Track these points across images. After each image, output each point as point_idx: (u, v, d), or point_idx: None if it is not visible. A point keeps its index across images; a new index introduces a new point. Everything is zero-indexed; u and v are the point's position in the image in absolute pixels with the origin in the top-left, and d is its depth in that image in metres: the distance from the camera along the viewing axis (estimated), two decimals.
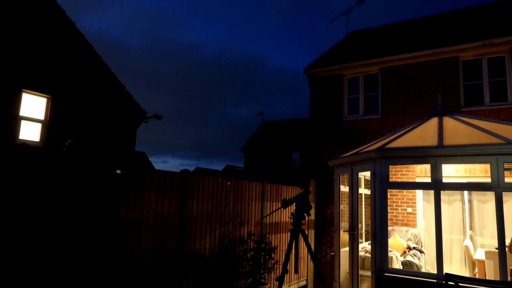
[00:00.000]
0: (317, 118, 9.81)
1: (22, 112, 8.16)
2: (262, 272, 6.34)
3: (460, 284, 4.19)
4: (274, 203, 7.52)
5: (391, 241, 7.09)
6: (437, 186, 5.13)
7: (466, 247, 6.84)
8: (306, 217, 5.36)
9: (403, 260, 6.69)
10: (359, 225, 6.80)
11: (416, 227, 7.90)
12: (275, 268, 6.73)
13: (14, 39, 8.05)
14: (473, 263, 6.52)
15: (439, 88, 8.19)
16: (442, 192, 5.14)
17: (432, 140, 5.46)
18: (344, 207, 7.22)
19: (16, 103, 8.01)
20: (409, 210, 8.08)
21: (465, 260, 7.14)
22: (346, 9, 13.48)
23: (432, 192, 5.28)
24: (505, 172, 4.84)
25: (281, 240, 7.67)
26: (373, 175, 5.74)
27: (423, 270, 6.81)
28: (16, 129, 8.01)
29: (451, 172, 7.45)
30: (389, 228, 6.75)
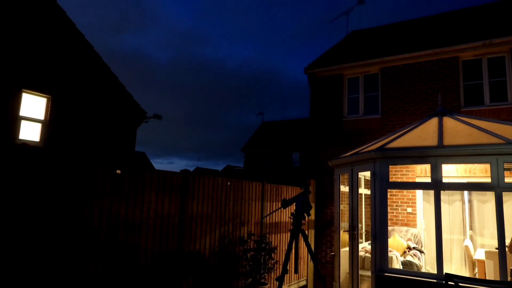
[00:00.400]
0: (317, 118, 9.81)
1: (22, 112, 8.16)
2: (262, 272, 6.34)
3: (460, 284, 4.19)
4: (274, 203, 7.52)
5: (391, 241, 7.09)
6: (437, 186, 5.13)
7: (466, 247, 6.84)
8: (306, 217, 5.36)
9: (403, 260, 6.69)
10: (359, 225, 6.80)
11: (416, 227, 7.90)
12: (275, 268, 6.73)
13: (14, 39, 8.05)
14: (473, 263, 6.52)
15: (439, 88, 8.19)
16: (442, 192, 5.14)
17: (432, 140, 5.46)
18: (344, 207, 7.22)
19: (16, 103, 8.01)
20: (409, 210, 8.08)
21: (465, 260, 7.14)
22: (346, 9, 13.48)
23: (432, 192, 5.28)
24: (505, 172, 4.84)
25: (281, 240, 7.67)
26: (373, 175, 5.74)
27: (423, 270, 6.81)
28: (16, 129, 8.01)
29: (451, 172, 7.45)
30: (389, 228, 6.75)
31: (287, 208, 7.67)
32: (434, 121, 6.28)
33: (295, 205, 5.29)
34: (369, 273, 6.29)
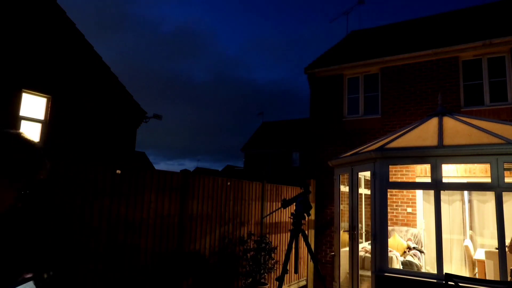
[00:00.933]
0: (317, 118, 9.81)
1: (22, 112, 8.15)
2: (262, 272, 6.34)
3: (460, 284, 4.19)
4: (274, 203, 7.52)
5: (391, 241, 7.09)
6: (437, 186, 5.13)
7: (466, 247, 6.85)
8: (306, 217, 5.35)
9: (403, 260, 6.69)
10: (359, 225, 6.81)
11: (416, 227, 7.90)
12: (275, 268, 6.73)
13: (14, 39, 8.05)
14: (473, 263, 6.52)
15: (439, 88, 8.19)
16: (442, 192, 5.14)
17: (432, 140, 5.46)
18: (344, 207, 7.22)
19: (16, 103, 8.01)
20: (409, 210, 8.08)
21: (465, 260, 7.14)
22: (346, 9, 13.49)
23: (432, 192, 5.28)
24: (505, 172, 4.84)
25: (281, 240, 7.67)
26: (373, 175, 5.74)
27: (423, 270, 6.81)
28: (16, 129, 8.00)
29: (451, 172, 7.45)
30: (389, 228, 6.75)
31: (287, 208, 7.66)
32: (434, 121, 6.28)
33: (295, 205, 5.28)
34: (369, 273, 6.29)
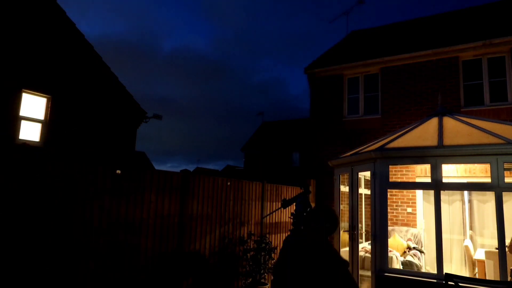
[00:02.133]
0: (317, 118, 9.81)
1: (22, 112, 8.16)
2: (262, 272, 6.34)
3: (460, 284, 4.18)
4: (274, 203, 7.52)
5: (391, 241, 7.09)
6: (437, 186, 5.13)
7: (466, 247, 6.84)
8: None
9: (403, 260, 6.69)
10: (359, 225, 6.80)
11: (416, 227, 7.90)
12: None
13: (14, 39, 8.05)
14: (473, 263, 6.52)
15: (439, 88, 8.19)
16: (442, 192, 5.14)
17: (432, 140, 5.46)
18: (344, 207, 7.22)
19: (16, 103, 8.01)
20: (409, 210, 8.08)
21: (465, 260, 7.14)
22: (346, 9, 13.50)
23: (432, 192, 5.27)
24: (505, 172, 4.84)
25: (281, 240, 7.66)
26: (373, 175, 5.74)
27: (423, 270, 6.81)
28: (16, 129, 8.01)
29: (451, 172, 7.45)
30: (389, 228, 6.75)
31: (287, 208, 7.66)
32: (434, 121, 6.28)
33: (295, 205, 5.27)
34: (369, 273, 6.28)
